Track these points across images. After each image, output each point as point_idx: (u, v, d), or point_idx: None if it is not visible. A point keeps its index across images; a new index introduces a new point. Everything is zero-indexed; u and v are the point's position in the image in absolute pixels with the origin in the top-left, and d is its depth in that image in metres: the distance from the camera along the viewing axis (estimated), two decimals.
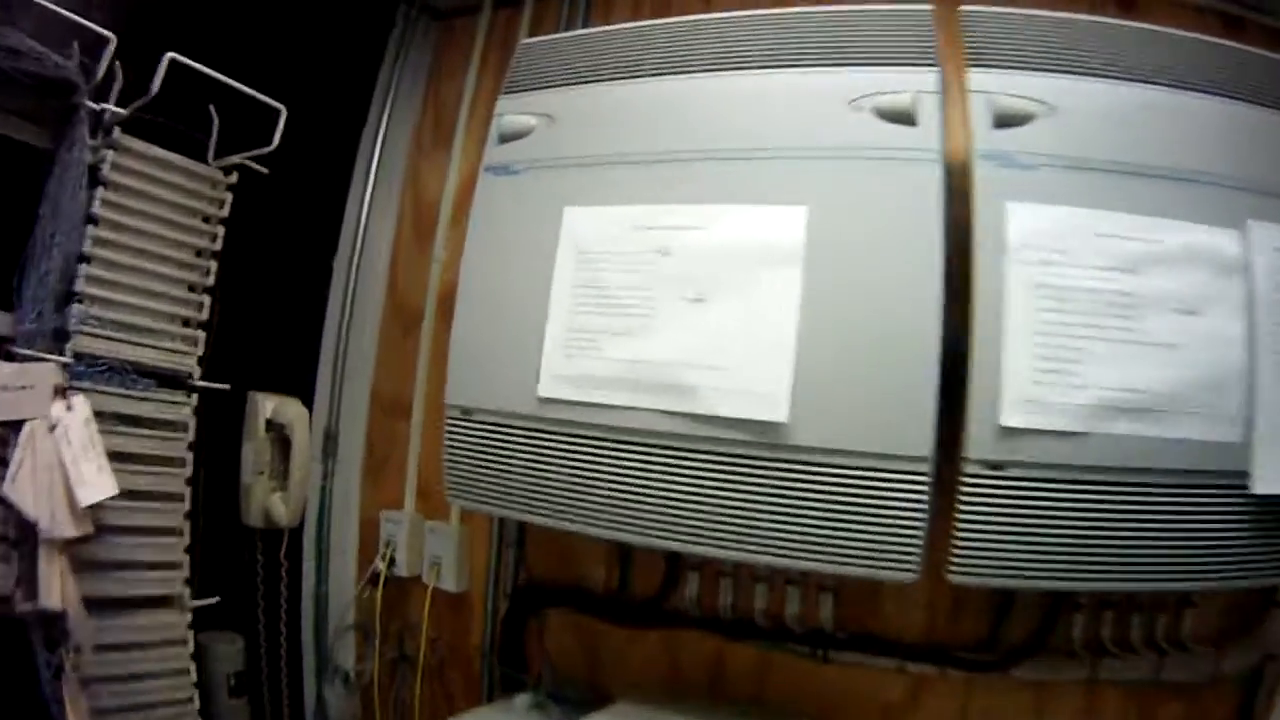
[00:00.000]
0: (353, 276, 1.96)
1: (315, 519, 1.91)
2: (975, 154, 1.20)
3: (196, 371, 1.60)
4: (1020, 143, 1.19)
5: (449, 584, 1.77)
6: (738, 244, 1.23)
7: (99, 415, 1.42)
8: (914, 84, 1.23)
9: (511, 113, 1.45)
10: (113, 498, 1.38)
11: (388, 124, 2.00)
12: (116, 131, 1.47)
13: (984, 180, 1.19)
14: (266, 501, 1.77)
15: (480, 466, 1.36)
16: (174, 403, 1.57)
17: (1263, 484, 1.10)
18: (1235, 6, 1.45)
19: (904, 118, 1.22)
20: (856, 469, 1.15)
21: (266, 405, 1.77)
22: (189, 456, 1.58)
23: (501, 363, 1.35)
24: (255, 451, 1.76)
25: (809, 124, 1.26)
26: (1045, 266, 1.14)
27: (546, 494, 1.31)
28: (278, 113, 1.64)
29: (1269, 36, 1.41)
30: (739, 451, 1.20)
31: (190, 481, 1.59)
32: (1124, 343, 1.13)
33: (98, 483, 1.37)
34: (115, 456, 1.42)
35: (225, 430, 1.77)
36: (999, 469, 1.12)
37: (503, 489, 1.34)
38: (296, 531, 1.86)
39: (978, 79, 1.23)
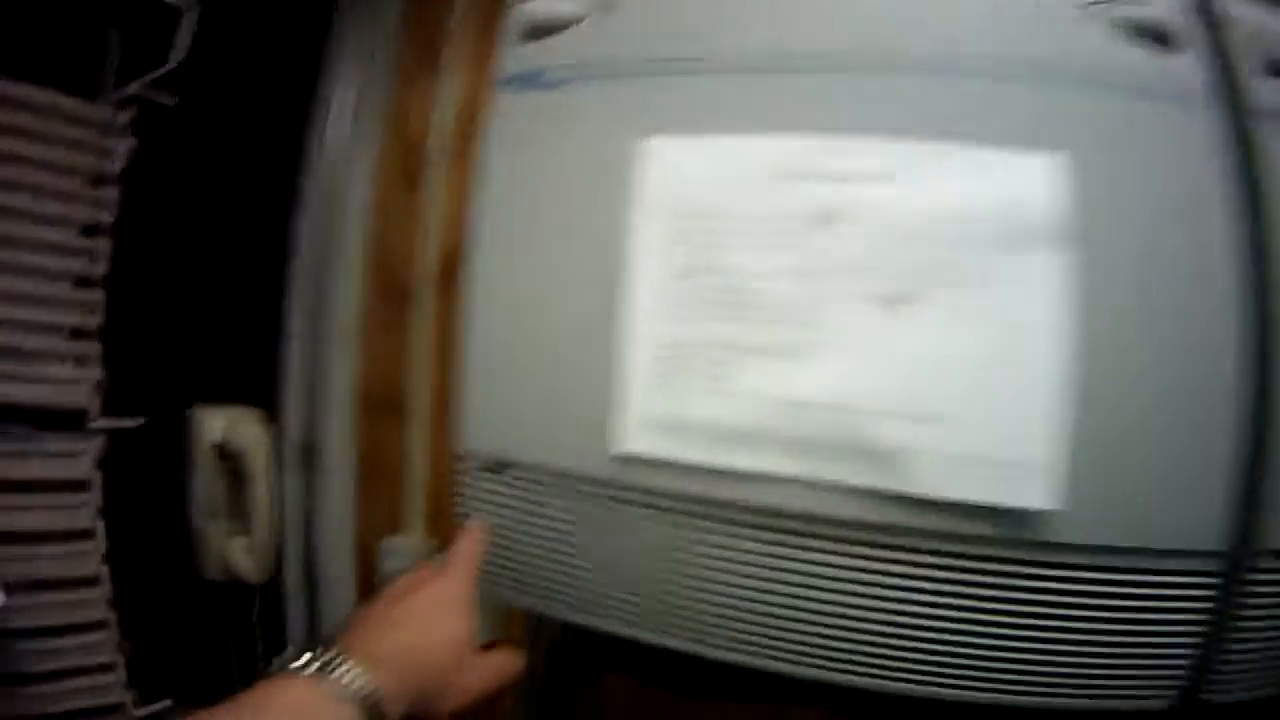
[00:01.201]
0: (322, 244, 1.44)
1: (299, 556, 1.44)
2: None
3: (95, 404, 1.12)
4: None
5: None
6: (956, 209, 0.73)
7: None
8: None
9: None
10: None
11: (366, 43, 1.45)
12: None
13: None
14: (225, 551, 1.31)
15: (516, 545, 0.90)
16: (66, 455, 1.09)
17: None
18: None
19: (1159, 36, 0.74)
20: (1132, 571, 0.72)
21: (213, 426, 1.29)
22: (99, 526, 1.13)
23: (551, 390, 0.86)
24: (204, 489, 1.29)
25: (1022, 29, 0.76)
26: None
27: (623, 595, 0.85)
28: (176, 11, 1.11)
29: None
30: (963, 551, 0.73)
31: (108, 555, 1.14)
32: None
33: None
34: None
35: (167, 455, 1.31)
36: None
37: (551, 581, 0.89)
38: (274, 583, 1.40)
39: None
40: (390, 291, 1.44)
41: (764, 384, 0.76)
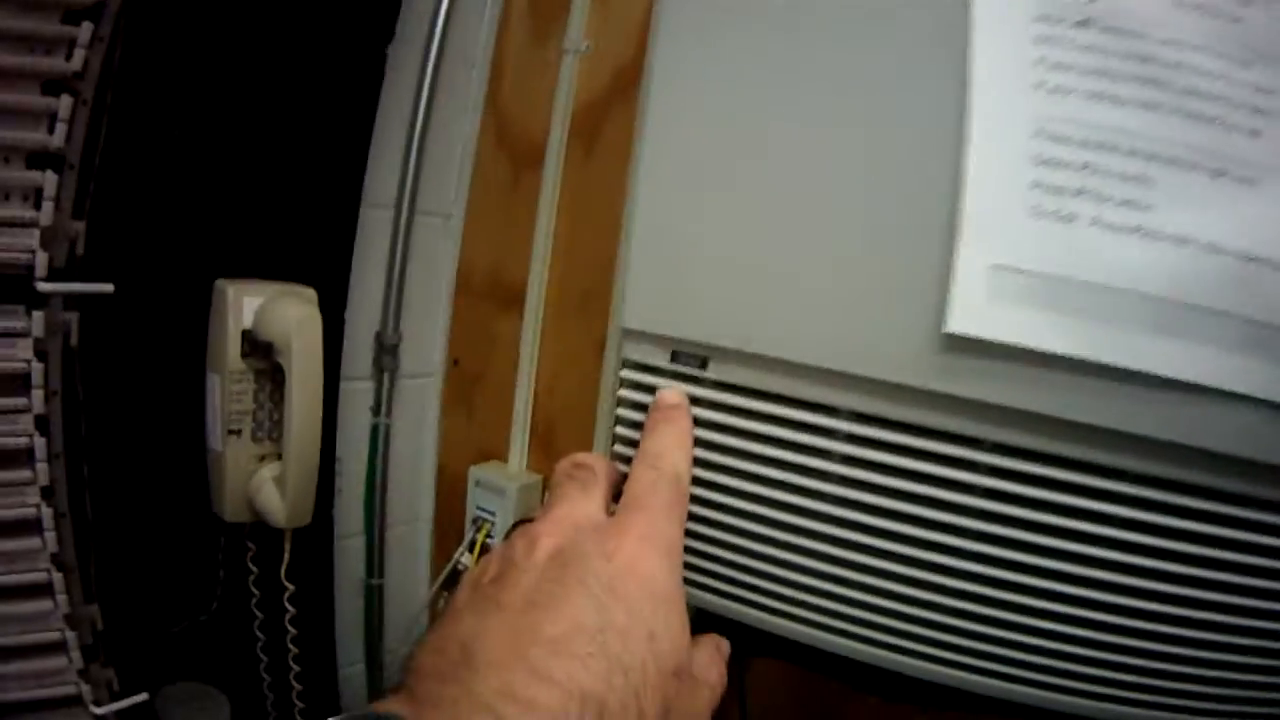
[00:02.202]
0: (427, 82, 1.04)
1: (364, 478, 1.10)
2: None
3: (41, 260, 0.74)
4: None
5: None
6: None
7: None
8: None
9: None
10: None
11: None
12: None
13: None
14: (250, 483, 0.94)
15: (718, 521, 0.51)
16: None
17: None
18: None
19: None
20: None
21: (244, 305, 0.91)
22: (39, 443, 0.76)
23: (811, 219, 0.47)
24: (225, 393, 0.92)
25: None
26: None
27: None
28: None
29: None
30: None
31: (70, 485, 0.79)
32: None
33: None
34: None
35: (175, 343, 0.93)
36: None
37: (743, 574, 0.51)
38: (322, 521, 1.04)
39: None
40: (509, 153, 1.10)
41: (1204, 224, 0.40)
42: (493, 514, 1.05)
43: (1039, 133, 0.41)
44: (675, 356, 0.51)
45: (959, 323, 0.41)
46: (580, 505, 0.45)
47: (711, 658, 0.45)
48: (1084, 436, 0.41)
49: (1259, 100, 0.40)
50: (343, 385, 1.04)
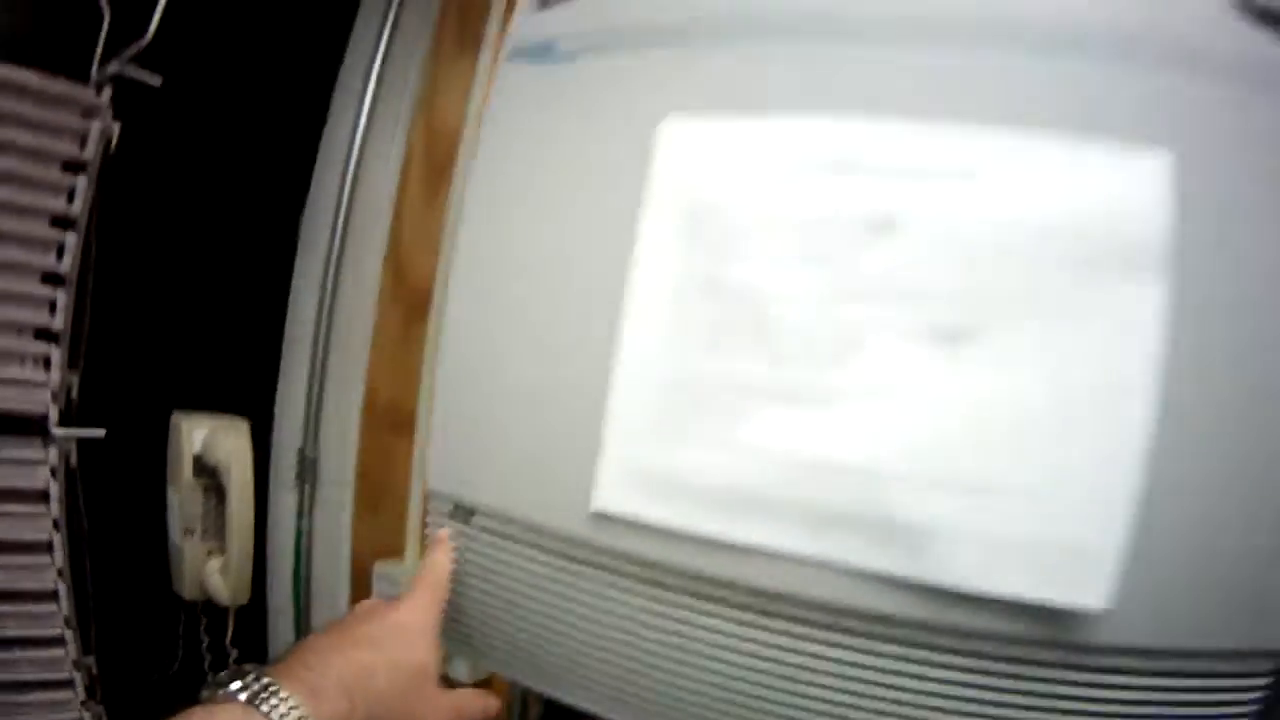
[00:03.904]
0: (336, 243, 1.30)
1: (290, 572, 1.32)
2: None
3: (54, 411, 1.03)
4: None
5: (461, 673, 1.17)
6: (1045, 219, 0.56)
7: None
8: None
9: None
10: None
11: (394, 18, 1.29)
12: None
13: None
14: (202, 570, 1.19)
15: (482, 600, 0.75)
16: (25, 463, 1.02)
17: None
18: None
19: None
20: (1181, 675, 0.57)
21: (194, 436, 1.17)
22: (56, 538, 1.05)
23: (527, 429, 0.71)
24: (182, 502, 1.18)
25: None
26: None
27: (589, 669, 0.70)
28: None
29: None
30: (995, 652, 0.57)
31: (73, 569, 1.07)
32: None
33: None
34: None
35: (145, 465, 1.21)
36: None
37: (512, 643, 0.74)
38: (259, 599, 1.28)
39: None
40: (405, 300, 1.32)
41: (776, 437, 0.60)
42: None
43: (666, 364, 0.63)
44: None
45: (599, 502, 0.65)
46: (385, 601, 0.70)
47: (448, 711, 0.67)
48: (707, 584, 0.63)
49: (842, 335, 0.58)
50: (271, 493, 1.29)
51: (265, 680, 0.55)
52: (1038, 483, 0.54)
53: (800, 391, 0.59)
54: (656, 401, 0.64)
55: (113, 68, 1.01)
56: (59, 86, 0.98)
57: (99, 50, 1.02)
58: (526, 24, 0.78)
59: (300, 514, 1.32)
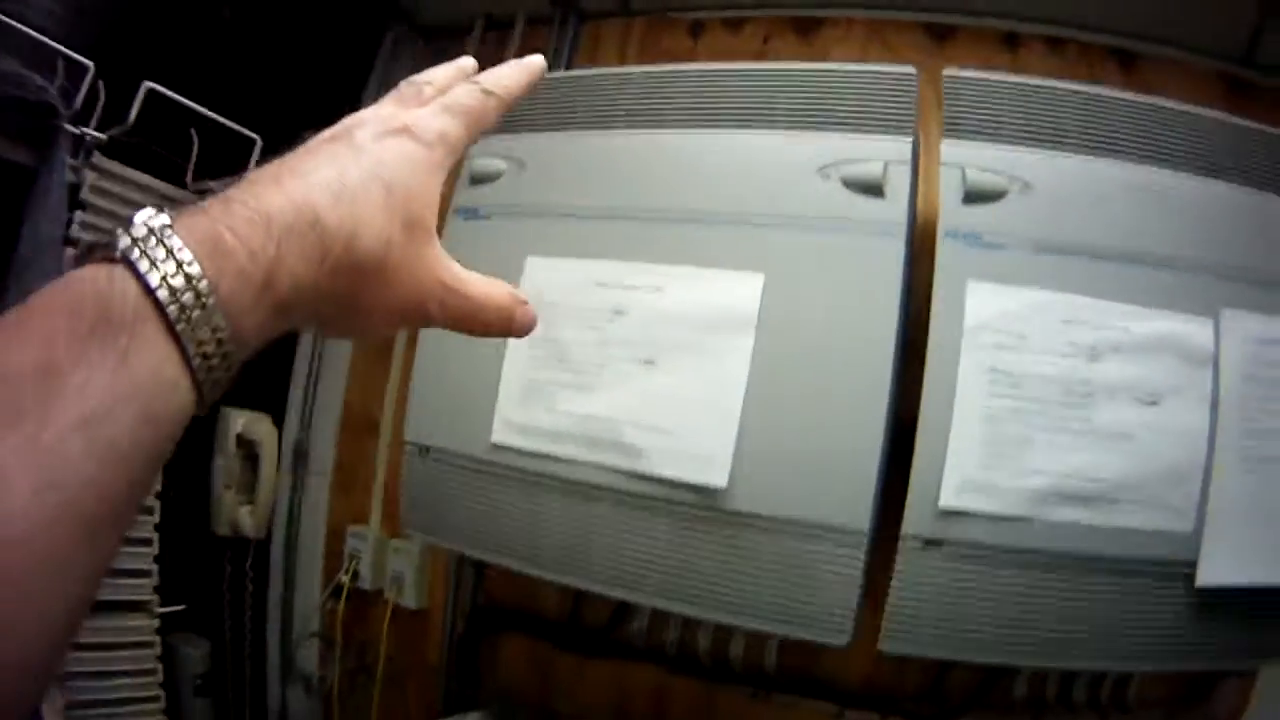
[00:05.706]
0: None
1: (283, 530, 1.95)
2: (941, 231, 1.18)
3: None
4: (989, 221, 1.17)
5: (409, 601, 1.80)
6: (692, 307, 1.25)
7: None
8: (887, 152, 1.21)
9: (483, 155, 1.45)
10: None
11: None
12: (96, 155, 1.49)
13: (947, 258, 1.18)
14: (234, 513, 1.82)
15: (435, 502, 1.40)
16: None
17: (1206, 576, 1.08)
18: (1244, 70, 1.46)
19: (873, 188, 1.20)
20: (795, 537, 1.17)
21: (237, 422, 1.82)
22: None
23: (459, 405, 1.38)
24: (225, 466, 1.81)
25: (776, 190, 1.25)
26: (1000, 351, 1.13)
27: (498, 535, 1.34)
28: (253, 143, 1.67)
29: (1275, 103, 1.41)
30: (680, 511, 1.22)
31: (160, 494, 1.63)
32: (1078, 432, 1.11)
33: None
34: None
35: (198, 442, 1.82)
36: (936, 545, 1.12)
37: (456, 526, 1.38)
38: (264, 542, 1.92)
39: (951, 150, 1.21)
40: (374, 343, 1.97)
41: (573, 406, 1.29)
42: (359, 552, 1.87)
43: (524, 374, 1.33)
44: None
45: (495, 437, 1.32)
46: (384, 108, 0.50)
47: (469, 288, 0.50)
48: (551, 480, 1.34)
49: (600, 362, 1.26)
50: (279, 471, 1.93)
51: (160, 223, 0.36)
52: (687, 425, 1.22)
53: (583, 385, 1.29)
54: (520, 389, 1.32)
55: (211, 183, 1.66)
56: (180, 192, 1.63)
57: (191, 166, 1.66)
58: (463, 195, 1.46)
59: (294, 488, 1.96)
